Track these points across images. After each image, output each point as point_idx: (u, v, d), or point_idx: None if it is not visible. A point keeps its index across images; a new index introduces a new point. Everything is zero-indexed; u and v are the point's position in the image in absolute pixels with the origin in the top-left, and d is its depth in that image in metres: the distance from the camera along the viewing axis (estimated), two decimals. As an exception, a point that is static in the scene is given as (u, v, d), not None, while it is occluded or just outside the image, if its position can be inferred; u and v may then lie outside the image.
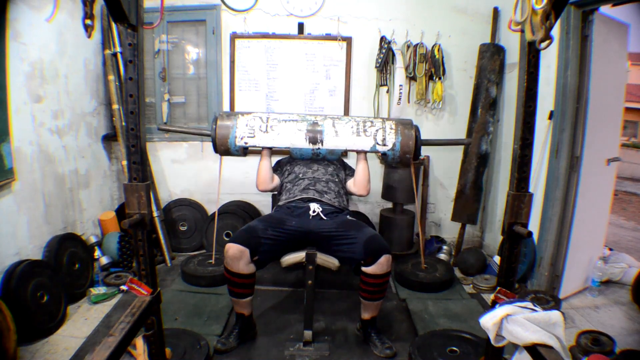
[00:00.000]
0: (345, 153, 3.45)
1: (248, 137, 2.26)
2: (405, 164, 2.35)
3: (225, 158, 3.55)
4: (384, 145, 2.25)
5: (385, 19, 3.39)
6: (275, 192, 2.60)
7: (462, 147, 3.41)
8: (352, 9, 3.39)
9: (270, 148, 2.33)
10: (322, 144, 2.26)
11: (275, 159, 2.59)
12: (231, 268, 2.04)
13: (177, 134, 3.57)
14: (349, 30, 3.40)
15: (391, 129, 2.28)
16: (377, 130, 2.27)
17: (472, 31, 3.41)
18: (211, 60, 3.47)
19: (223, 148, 2.29)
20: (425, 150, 3.50)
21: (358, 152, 2.32)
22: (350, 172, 2.59)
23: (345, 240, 2.12)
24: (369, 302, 2.13)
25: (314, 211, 2.26)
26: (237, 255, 2.01)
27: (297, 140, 2.26)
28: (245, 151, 2.33)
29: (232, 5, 3.35)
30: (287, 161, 2.64)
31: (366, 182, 2.41)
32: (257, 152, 3.49)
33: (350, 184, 2.50)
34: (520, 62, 1.41)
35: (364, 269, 2.05)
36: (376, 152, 2.30)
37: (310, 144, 2.26)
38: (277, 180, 2.52)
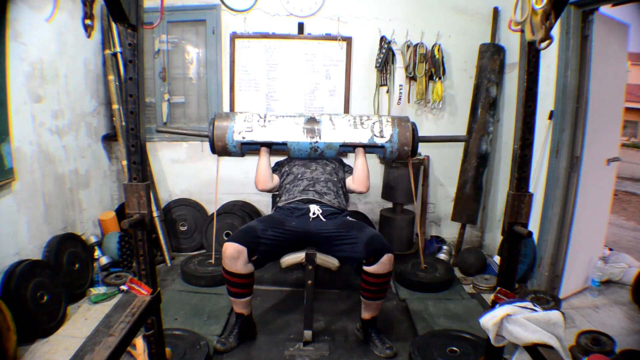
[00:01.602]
0: (345, 154, 3.45)
1: (246, 131, 2.26)
2: (403, 157, 2.33)
3: (225, 158, 3.56)
4: (382, 137, 2.25)
5: (385, 19, 3.39)
6: (276, 192, 2.60)
7: (462, 147, 3.41)
8: (352, 9, 3.39)
9: (268, 145, 2.32)
10: (319, 138, 2.26)
11: (274, 160, 2.59)
12: (229, 268, 2.04)
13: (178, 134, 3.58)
14: (349, 30, 3.41)
15: (388, 121, 2.29)
16: (374, 123, 2.28)
17: (472, 31, 3.41)
18: (211, 60, 3.47)
19: (220, 144, 2.28)
20: (425, 150, 3.52)
21: (356, 146, 2.31)
22: (349, 169, 2.59)
23: (346, 240, 2.11)
24: (370, 301, 2.13)
25: (313, 213, 2.25)
26: (234, 255, 2.01)
27: (294, 134, 2.25)
28: (243, 148, 2.32)
29: (231, 5, 3.35)
30: (285, 162, 2.64)
31: (365, 178, 2.39)
32: (257, 152, 3.49)
33: (350, 182, 2.48)
34: (520, 62, 1.41)
35: (365, 268, 2.04)
36: (374, 145, 2.28)
37: (308, 138, 2.26)
38: (276, 179, 2.51)
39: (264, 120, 2.28)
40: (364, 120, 2.30)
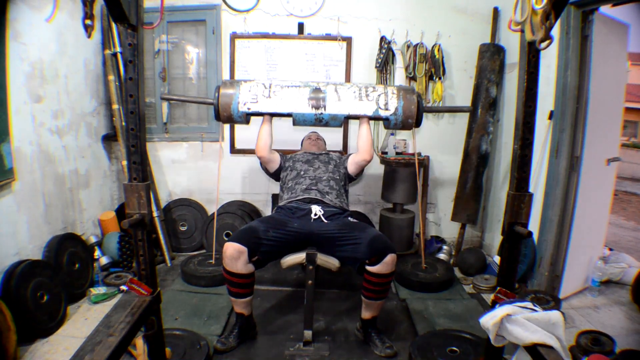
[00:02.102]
0: (345, 151, 3.44)
1: (251, 102, 2.27)
2: (407, 128, 2.36)
3: (225, 158, 3.57)
4: (386, 109, 2.27)
5: (385, 19, 3.39)
6: (269, 172, 2.64)
7: (462, 147, 3.41)
8: (352, 9, 3.39)
9: (272, 114, 2.35)
10: (324, 109, 2.28)
11: (280, 149, 2.61)
12: (229, 268, 2.04)
13: (178, 133, 3.58)
14: (349, 30, 3.40)
15: (393, 93, 2.30)
16: (379, 95, 2.29)
17: (472, 31, 3.41)
18: (211, 60, 3.47)
19: (225, 114, 2.29)
20: (425, 151, 3.52)
21: (360, 117, 2.34)
22: (347, 155, 2.65)
23: (349, 241, 2.11)
24: (372, 301, 2.13)
25: (315, 214, 2.25)
26: (235, 255, 2.01)
27: (299, 105, 2.27)
28: (247, 118, 2.33)
29: (233, 5, 3.35)
30: (290, 157, 2.66)
31: (369, 146, 2.44)
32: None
33: (353, 157, 2.55)
34: (520, 62, 1.41)
35: (368, 268, 2.04)
36: (378, 117, 2.30)
37: (313, 109, 2.27)
38: (276, 156, 2.57)
39: (269, 91, 2.29)
40: (369, 91, 2.31)
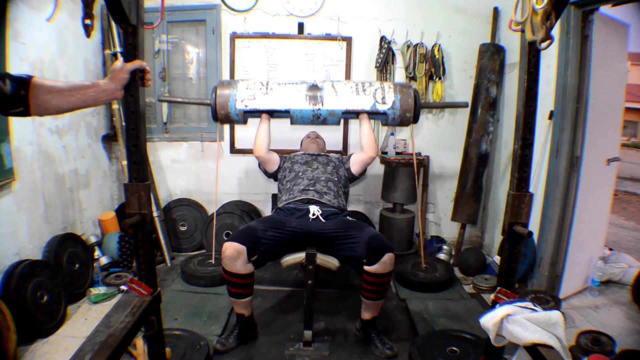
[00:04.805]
0: (345, 152, 3.44)
1: (248, 99, 2.27)
2: (405, 123, 2.36)
3: (225, 158, 3.57)
4: (384, 103, 2.27)
5: (385, 19, 3.39)
6: (268, 172, 2.64)
7: (462, 147, 3.41)
8: (352, 9, 3.39)
9: (271, 112, 2.34)
10: (322, 105, 2.28)
11: (279, 149, 2.61)
12: (229, 268, 2.03)
13: (177, 133, 3.58)
14: (349, 30, 3.40)
15: (390, 88, 2.31)
16: (376, 90, 2.30)
17: (472, 31, 3.41)
18: (211, 60, 3.47)
19: (223, 113, 2.28)
20: (425, 151, 3.52)
21: (358, 112, 2.34)
22: (348, 157, 2.66)
23: (347, 240, 2.11)
24: (371, 301, 2.13)
25: (313, 214, 2.25)
26: (234, 255, 2.00)
27: (297, 101, 2.28)
28: (245, 117, 2.33)
29: (232, 5, 3.35)
30: (288, 157, 2.66)
31: (373, 142, 2.45)
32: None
33: (357, 156, 2.56)
34: (520, 62, 1.41)
35: (366, 267, 2.04)
36: (376, 112, 2.30)
37: (311, 105, 2.27)
38: (275, 156, 2.57)
39: (266, 88, 2.30)
40: (366, 86, 2.32)
